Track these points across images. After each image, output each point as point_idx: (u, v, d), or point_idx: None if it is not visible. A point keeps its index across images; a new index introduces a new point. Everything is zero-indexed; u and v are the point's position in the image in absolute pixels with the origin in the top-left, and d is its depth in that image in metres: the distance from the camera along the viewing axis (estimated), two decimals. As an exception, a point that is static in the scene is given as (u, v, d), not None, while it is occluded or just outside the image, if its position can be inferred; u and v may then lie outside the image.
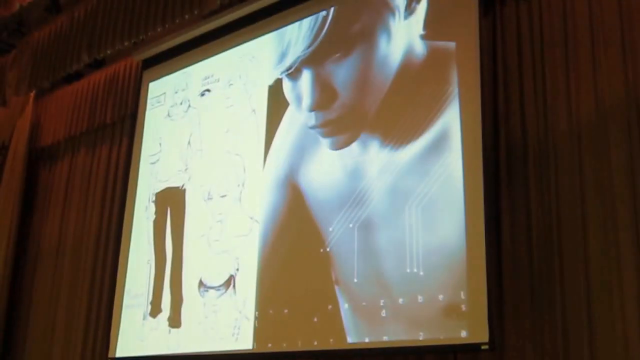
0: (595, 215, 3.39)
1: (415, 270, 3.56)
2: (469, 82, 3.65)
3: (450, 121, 3.64)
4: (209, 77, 5.13)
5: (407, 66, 3.91)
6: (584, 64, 3.60)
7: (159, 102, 5.49)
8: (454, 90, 3.68)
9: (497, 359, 3.48)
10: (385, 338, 3.59)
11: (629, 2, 3.51)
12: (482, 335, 3.30)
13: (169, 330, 4.71)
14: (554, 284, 3.42)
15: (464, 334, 3.35)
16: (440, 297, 3.45)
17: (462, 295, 3.38)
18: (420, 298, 3.51)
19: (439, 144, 3.66)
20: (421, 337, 3.47)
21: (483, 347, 3.30)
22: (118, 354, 5.02)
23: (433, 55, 3.83)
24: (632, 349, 3.12)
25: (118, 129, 6.07)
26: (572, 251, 3.41)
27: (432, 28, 3.88)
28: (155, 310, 4.86)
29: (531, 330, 3.43)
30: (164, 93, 5.46)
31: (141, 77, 5.75)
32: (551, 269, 3.45)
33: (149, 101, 5.58)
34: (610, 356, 3.18)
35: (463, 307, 3.37)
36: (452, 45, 3.77)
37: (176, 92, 5.34)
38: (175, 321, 4.70)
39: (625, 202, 3.30)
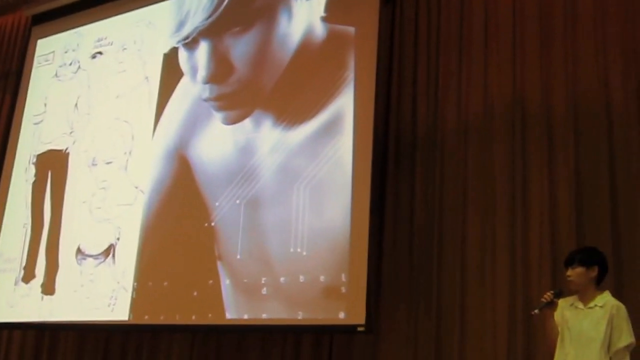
0: (476, 206, 3.52)
1: (299, 250, 3.58)
2: (365, 68, 3.68)
3: (344, 105, 3.67)
4: (102, 40, 4.96)
5: (306, 47, 3.91)
6: (476, 61, 3.72)
7: (46, 60, 5.26)
8: (350, 75, 3.70)
9: (372, 341, 3.57)
10: (264, 315, 3.60)
11: (522, 5, 3.64)
12: (359, 318, 3.36)
13: (42, 297, 4.55)
14: (432, 271, 3.53)
15: (342, 315, 3.40)
16: (322, 278, 3.48)
17: (343, 278, 3.43)
18: (302, 278, 3.53)
19: (331, 127, 3.68)
20: (300, 316, 3.50)
21: (359, 328, 3.37)
22: (-15, 320, 4.81)
23: (332, 38, 3.84)
24: (499, 336, 3.27)
25: (1, 85, 5.79)
26: (451, 240, 3.53)
27: (333, 11, 3.89)
28: (28, 276, 4.68)
29: (407, 315, 3.53)
30: (53, 52, 5.24)
31: (30, 33, 5.49)
32: (430, 256, 3.56)
33: (36, 59, 5.33)
34: (479, 341, 3.32)
35: (343, 289, 3.42)
36: (351, 30, 3.79)
37: (66, 52, 5.14)
38: (48, 288, 4.54)
39: (505, 198, 3.44)
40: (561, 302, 2.55)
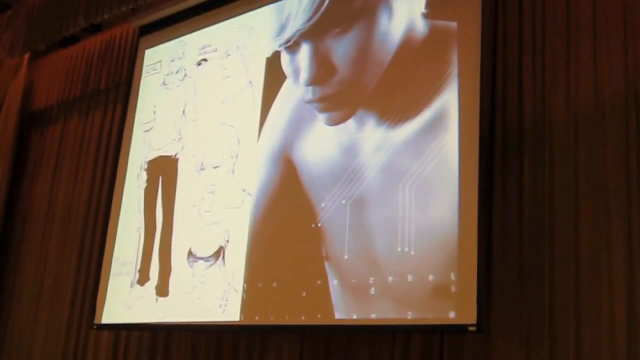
0: (588, 203, 3.39)
1: (406, 249, 3.56)
2: (469, 63, 3.62)
3: (448, 102, 3.62)
4: (206, 47, 5.09)
5: (408, 44, 3.88)
6: (584, 51, 3.58)
7: (154, 69, 5.44)
8: (454, 71, 3.65)
9: (483, 340, 3.50)
10: (373, 316, 3.60)
11: (633, -10, 3.50)
12: (470, 317, 3.30)
13: (156, 299, 4.70)
14: (543, 269, 3.43)
15: (452, 314, 3.35)
16: (430, 277, 3.44)
17: (452, 276, 3.38)
18: (410, 277, 3.51)
19: (435, 124, 3.64)
20: (409, 316, 3.47)
21: (470, 328, 3.30)
22: (104, 321, 5.01)
23: (434, 35, 3.80)
24: (618, 335, 3.14)
25: (112, 96, 6.03)
26: (563, 238, 3.42)
27: (435, 7, 3.84)
28: (143, 279, 4.85)
29: (518, 314, 3.45)
30: (160, 61, 5.41)
31: (137, 44, 5.70)
32: (541, 254, 3.46)
33: (144, 69, 5.52)
34: (595, 342, 3.20)
35: (452, 288, 3.37)
36: (454, 25, 3.74)
37: (172, 61, 5.29)
38: (162, 290, 4.69)
39: (619, 193, 3.31)
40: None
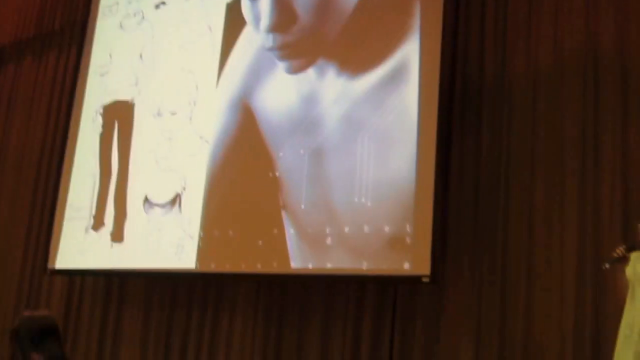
0: (544, 157, 3.43)
1: (363, 200, 3.57)
2: (431, 15, 3.59)
3: (410, 54, 3.60)
4: (165, -10, 4.96)
5: (371, -6, 3.83)
6: (546, 8, 3.58)
7: (111, 11, 5.29)
8: (416, 22, 3.62)
9: (436, 292, 3.55)
10: (328, 265, 3.62)
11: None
12: (424, 268, 3.35)
13: (111, 245, 4.67)
14: (498, 223, 3.48)
15: (406, 265, 3.39)
16: (386, 228, 3.47)
17: (408, 228, 3.41)
18: (366, 228, 3.53)
19: (396, 76, 3.62)
20: (364, 266, 3.51)
21: (424, 279, 3.36)
22: (57, 266, 4.97)
23: (398, -15, 3.75)
24: (568, 290, 3.21)
25: (67, 37, 5.87)
26: (518, 192, 3.46)
27: (399, -44, 3.79)
28: (97, 224, 4.81)
29: (472, 266, 3.50)
30: (117, 2, 5.27)
31: (94, -16, 5.53)
32: (496, 207, 3.50)
33: (100, 9, 5.37)
34: (546, 293, 3.27)
35: (408, 240, 3.40)
36: (417, -24, 3.69)
37: (130, 3, 5.16)
38: (117, 236, 4.65)
39: (574, 150, 3.35)
40: (633, 257, 2.48)
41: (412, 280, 3.47)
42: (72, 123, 5.25)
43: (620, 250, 2.47)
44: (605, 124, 3.29)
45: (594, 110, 3.34)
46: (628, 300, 2.46)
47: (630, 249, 2.49)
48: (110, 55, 5.16)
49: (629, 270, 2.47)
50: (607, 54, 3.35)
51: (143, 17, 5.03)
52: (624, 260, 2.47)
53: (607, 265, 2.50)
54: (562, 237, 3.28)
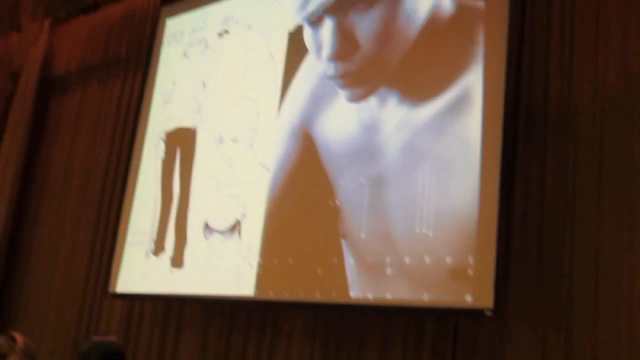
0: (611, 186, 3.32)
1: (424, 230, 3.52)
2: (495, 43, 3.55)
3: (473, 82, 3.55)
4: (228, 18, 5.03)
5: (433, 22, 3.81)
6: (613, 32, 3.49)
7: (175, 40, 5.39)
8: (479, 50, 3.58)
9: (498, 325, 3.46)
10: (388, 295, 3.57)
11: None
12: (486, 301, 3.27)
13: (171, 270, 4.71)
14: (563, 256, 3.38)
15: (468, 298, 3.32)
16: (448, 259, 3.41)
17: (470, 260, 3.34)
18: (427, 259, 3.47)
19: (459, 104, 3.58)
20: (425, 298, 3.44)
21: (487, 312, 3.27)
22: (118, 289, 5.03)
23: (461, 13, 3.72)
24: (637, 326, 3.09)
25: (132, 65, 6.00)
26: (585, 223, 3.36)
27: (462, -16, 3.77)
28: (158, 249, 4.85)
29: (536, 300, 3.40)
30: (182, 31, 5.37)
31: (159, 12, 5.65)
32: (561, 240, 3.40)
33: (165, 38, 5.48)
34: (613, 327, 3.15)
35: (470, 272, 3.33)
36: (481, 4, 3.66)
37: (194, 31, 5.25)
38: (177, 261, 4.69)
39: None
40: None
41: (474, 313, 3.38)
42: (135, 148, 5.34)
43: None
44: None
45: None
46: None
47: None
48: (174, 83, 5.25)
49: None
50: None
51: (206, 46, 5.11)
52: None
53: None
54: (631, 275, 3.16)
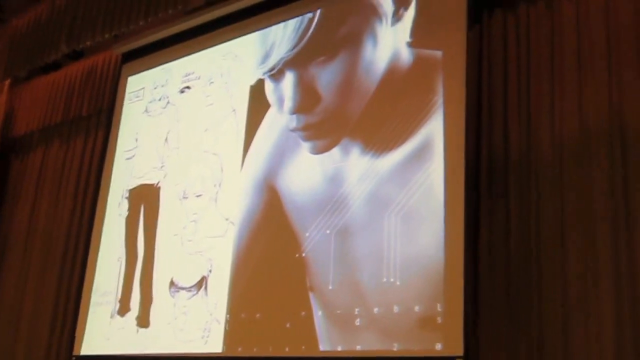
0: (575, 231, 3.37)
1: (392, 279, 3.52)
2: (454, 92, 3.61)
3: (434, 131, 3.60)
4: (189, 74, 5.05)
5: (393, 73, 3.87)
6: (569, 80, 3.58)
7: (137, 97, 5.40)
8: (439, 99, 3.64)
9: (471, 373, 3.45)
10: (358, 347, 3.54)
11: (617, 19, 3.50)
12: (457, 348, 3.26)
13: (137, 330, 4.62)
14: (531, 299, 3.39)
15: (438, 346, 3.31)
16: (416, 308, 3.40)
17: (439, 307, 3.34)
18: (395, 308, 3.46)
19: (421, 153, 3.62)
20: (395, 347, 3.42)
21: (457, 360, 3.26)
22: (83, 352, 4.91)
23: (419, 63, 3.79)
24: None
25: (94, 122, 5.97)
26: (550, 266, 3.39)
27: (419, 36, 3.84)
28: (123, 309, 4.77)
29: (507, 344, 3.40)
30: (143, 88, 5.37)
31: (120, 70, 5.66)
32: (528, 283, 3.42)
33: (127, 95, 5.48)
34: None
35: (439, 319, 3.33)
36: (439, 54, 3.73)
37: (155, 88, 5.26)
38: (143, 321, 4.61)
39: (605, 220, 3.29)
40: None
41: (445, 361, 3.37)
42: (98, 207, 5.29)
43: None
44: (635, 195, 3.24)
45: (623, 181, 3.29)
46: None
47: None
48: (136, 140, 5.23)
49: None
50: (633, 125, 3.32)
51: (168, 102, 5.12)
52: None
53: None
54: (598, 317, 3.18)
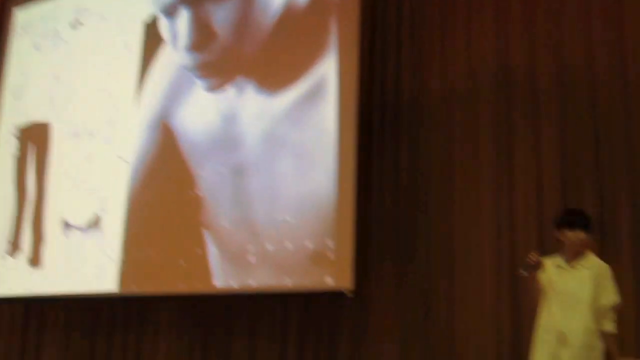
0: (462, 171, 3.52)
1: (285, 217, 3.58)
2: (348, 34, 3.65)
3: (327, 72, 3.64)
4: (81, 10, 4.87)
5: (289, 13, 3.86)
6: (459, 27, 3.69)
7: (25, 31, 5.17)
8: (333, 40, 3.67)
9: (361, 305, 3.58)
10: (252, 283, 3.61)
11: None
12: (347, 283, 3.38)
13: (29, 270, 4.53)
14: (419, 236, 3.55)
15: (329, 280, 3.41)
16: (308, 244, 3.49)
17: (330, 243, 3.44)
18: (289, 245, 3.54)
19: (314, 94, 3.65)
20: (288, 283, 3.51)
21: (348, 294, 3.39)
22: (-27, 294, 4.79)
23: (315, 4, 3.80)
24: (487, 297, 3.30)
25: (-20, 58, 5.70)
26: (437, 204, 3.54)
27: (316, -24, 3.84)
28: (14, 249, 4.66)
29: (395, 279, 3.55)
30: (32, 22, 5.14)
31: (6, 2, 5.38)
32: (416, 221, 3.57)
33: (14, 30, 5.23)
34: (467, 303, 3.35)
35: (330, 255, 3.43)
36: (334, -5, 3.74)
37: (45, 23, 5.04)
38: (35, 260, 4.52)
39: (490, 159, 3.45)
40: (547, 263, 2.56)
41: (335, 295, 3.48)
42: (-14, 145, 5.09)
43: (534, 256, 2.53)
44: (518, 135, 3.41)
45: (507, 123, 3.45)
46: (543, 305, 2.54)
47: (543, 254, 2.57)
48: (26, 76, 5.03)
49: (542, 276, 2.55)
50: (517, 70, 3.47)
51: (59, 38, 4.93)
52: (539, 266, 2.54)
53: (523, 272, 2.56)
54: (480, 246, 3.37)
